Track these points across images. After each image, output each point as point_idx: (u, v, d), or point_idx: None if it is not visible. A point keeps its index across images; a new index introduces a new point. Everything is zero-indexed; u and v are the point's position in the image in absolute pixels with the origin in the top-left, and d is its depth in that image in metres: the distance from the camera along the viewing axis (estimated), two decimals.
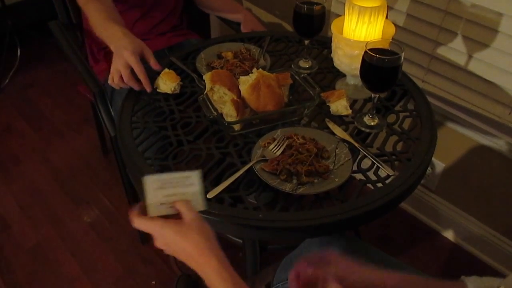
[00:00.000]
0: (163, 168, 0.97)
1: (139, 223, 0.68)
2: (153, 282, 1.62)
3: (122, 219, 1.84)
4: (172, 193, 0.68)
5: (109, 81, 1.16)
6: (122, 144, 1.04)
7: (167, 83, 1.17)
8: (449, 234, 1.75)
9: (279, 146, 0.96)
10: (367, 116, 1.09)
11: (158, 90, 1.18)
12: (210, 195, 0.88)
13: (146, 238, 1.73)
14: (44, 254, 1.72)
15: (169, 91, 1.17)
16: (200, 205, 0.71)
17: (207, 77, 1.06)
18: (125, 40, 1.13)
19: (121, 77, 1.13)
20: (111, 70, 1.15)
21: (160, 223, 0.67)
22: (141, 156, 0.99)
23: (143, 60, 1.15)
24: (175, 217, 0.68)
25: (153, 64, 1.17)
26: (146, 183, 0.67)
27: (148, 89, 1.15)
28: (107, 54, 1.59)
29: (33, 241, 1.76)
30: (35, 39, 2.80)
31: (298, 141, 0.98)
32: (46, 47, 2.83)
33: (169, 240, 0.66)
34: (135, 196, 1.56)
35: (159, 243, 0.68)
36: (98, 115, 1.45)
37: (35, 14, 2.72)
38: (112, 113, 1.37)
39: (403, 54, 0.93)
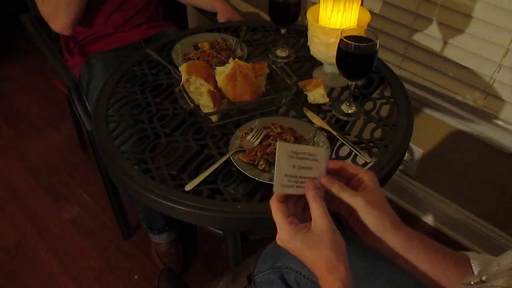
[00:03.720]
0: (140, 162, 0.96)
1: (276, 216, 0.65)
2: (136, 277, 1.61)
3: (103, 214, 1.81)
4: (300, 165, 0.67)
5: None
6: (98, 138, 1.02)
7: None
8: (428, 219, 1.78)
9: (257, 136, 0.96)
10: (344, 104, 1.09)
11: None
12: (188, 187, 0.88)
13: (127, 233, 1.71)
14: (24, 253, 1.69)
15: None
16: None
17: (182, 68, 1.05)
18: None
19: None
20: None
21: (292, 230, 0.63)
22: (118, 150, 0.98)
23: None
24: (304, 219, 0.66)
25: None
26: (279, 147, 0.66)
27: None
28: (82, 47, 1.56)
29: (12, 240, 1.73)
30: (7, 33, 2.73)
31: (276, 131, 0.97)
32: (19, 41, 2.76)
33: (297, 248, 0.64)
34: (115, 190, 1.54)
35: (281, 242, 0.65)
36: (74, 109, 1.42)
37: (5, 7, 2.63)
38: (88, 107, 1.35)
39: (378, 41, 0.93)
